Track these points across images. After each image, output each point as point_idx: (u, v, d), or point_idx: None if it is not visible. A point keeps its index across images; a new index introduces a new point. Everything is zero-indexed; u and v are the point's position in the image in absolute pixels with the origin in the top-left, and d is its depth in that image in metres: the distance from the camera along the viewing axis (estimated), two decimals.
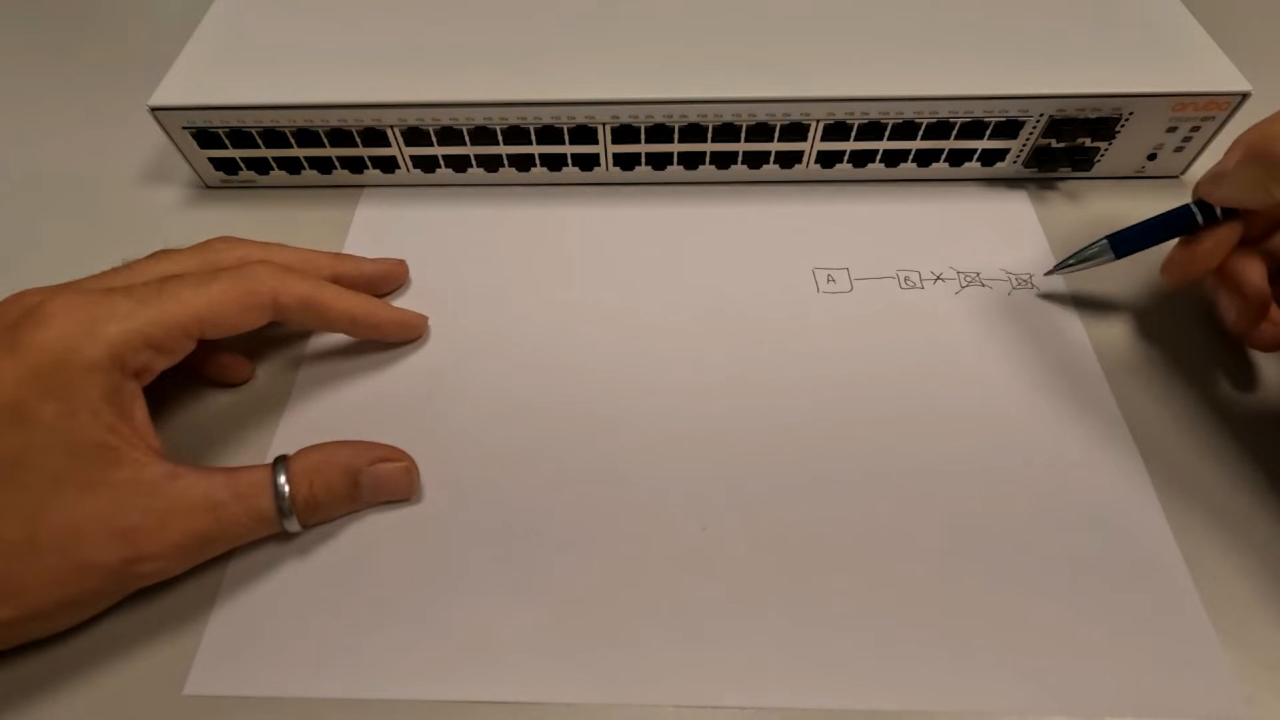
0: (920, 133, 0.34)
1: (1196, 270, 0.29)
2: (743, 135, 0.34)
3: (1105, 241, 0.30)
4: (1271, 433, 0.28)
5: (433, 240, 0.35)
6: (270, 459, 0.25)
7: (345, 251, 0.34)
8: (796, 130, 0.34)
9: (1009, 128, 0.34)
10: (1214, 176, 0.27)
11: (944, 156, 0.35)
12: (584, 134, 0.34)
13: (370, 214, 0.36)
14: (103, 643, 0.24)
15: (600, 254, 0.34)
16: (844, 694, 0.23)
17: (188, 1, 0.39)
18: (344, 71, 0.34)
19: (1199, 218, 0.28)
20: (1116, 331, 0.31)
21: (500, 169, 0.36)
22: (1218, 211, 0.28)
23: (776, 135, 0.34)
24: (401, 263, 0.33)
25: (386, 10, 0.37)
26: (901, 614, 0.25)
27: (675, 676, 0.24)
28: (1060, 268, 0.32)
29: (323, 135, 0.34)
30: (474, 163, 0.36)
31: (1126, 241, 0.30)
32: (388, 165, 0.36)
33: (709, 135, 0.34)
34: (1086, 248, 0.31)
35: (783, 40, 0.35)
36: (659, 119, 0.34)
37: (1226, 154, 0.26)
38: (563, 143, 0.35)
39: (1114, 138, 0.34)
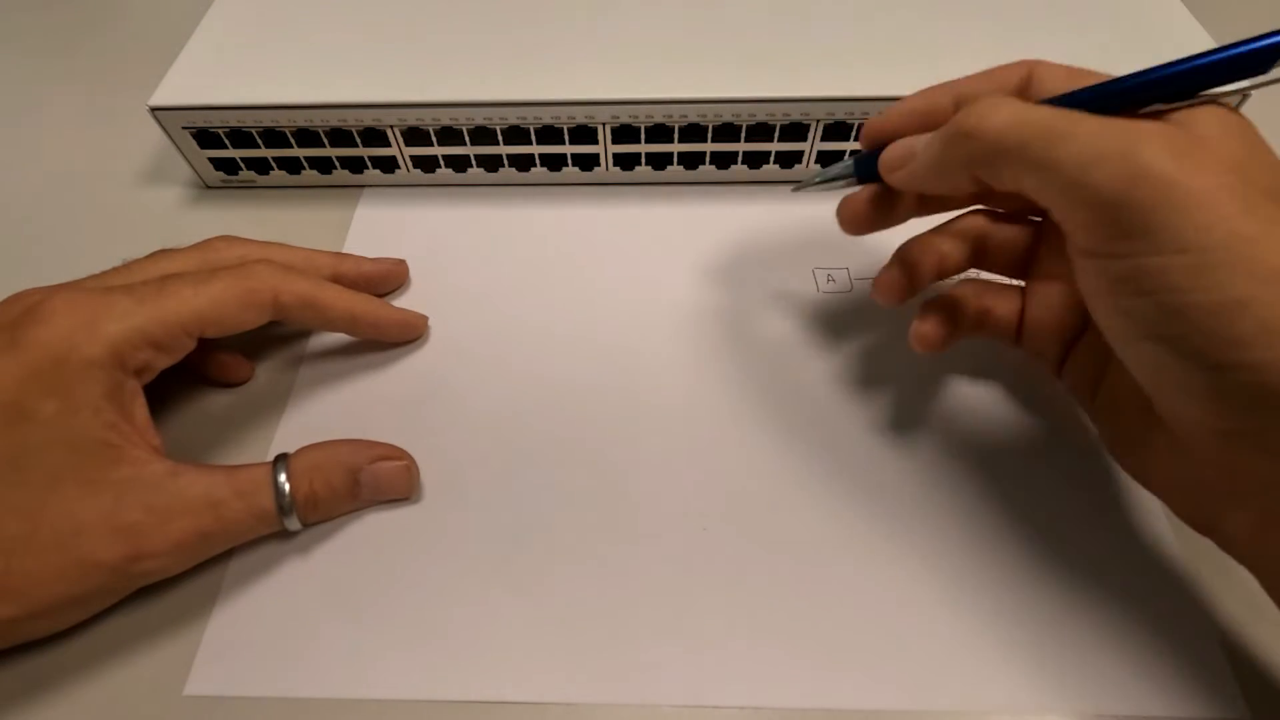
0: None
1: (875, 224, 0.26)
2: (743, 135, 0.34)
3: (850, 161, 0.27)
4: None
5: (433, 240, 0.35)
6: (270, 458, 0.25)
7: (345, 251, 0.34)
8: (796, 130, 0.34)
9: None
10: (903, 156, 0.24)
11: None
12: (584, 134, 0.34)
13: (370, 214, 0.36)
14: (103, 643, 0.24)
15: (600, 254, 0.34)
16: (844, 694, 0.23)
17: (188, 1, 0.39)
18: (344, 71, 0.34)
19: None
20: None
21: (500, 169, 0.36)
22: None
23: (776, 135, 0.34)
24: (401, 262, 0.33)
25: (386, 10, 0.37)
26: (902, 613, 0.25)
27: (675, 676, 0.24)
28: (804, 187, 0.28)
29: (323, 135, 0.34)
30: (474, 163, 0.36)
31: (866, 164, 0.26)
32: (388, 165, 0.36)
33: (709, 135, 0.34)
34: (833, 165, 0.27)
35: (782, 40, 0.35)
36: (659, 119, 0.34)
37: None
38: (563, 143, 0.35)
39: None
